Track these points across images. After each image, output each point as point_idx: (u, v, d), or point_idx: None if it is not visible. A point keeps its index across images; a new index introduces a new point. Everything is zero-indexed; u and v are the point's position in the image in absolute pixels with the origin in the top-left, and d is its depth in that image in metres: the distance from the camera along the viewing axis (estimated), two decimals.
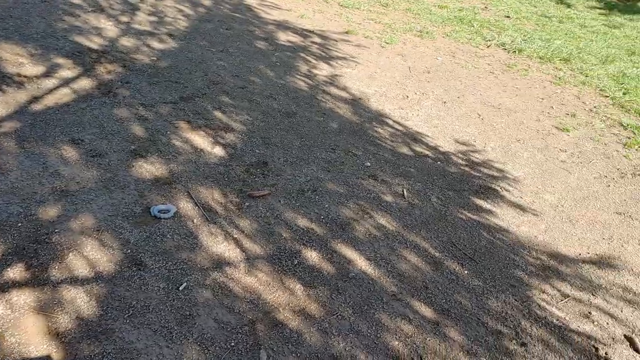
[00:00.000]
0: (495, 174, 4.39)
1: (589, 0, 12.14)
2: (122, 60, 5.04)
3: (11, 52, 4.70)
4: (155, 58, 5.27)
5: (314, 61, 6.07)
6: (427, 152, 4.56)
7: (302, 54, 6.20)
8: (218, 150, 3.98)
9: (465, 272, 3.24)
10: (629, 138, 5.42)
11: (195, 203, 3.36)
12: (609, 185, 4.51)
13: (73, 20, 5.71)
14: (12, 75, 4.35)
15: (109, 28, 5.74)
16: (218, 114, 4.47)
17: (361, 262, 3.15)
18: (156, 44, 5.61)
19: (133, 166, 3.59)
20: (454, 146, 4.74)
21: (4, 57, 4.57)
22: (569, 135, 5.33)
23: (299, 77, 5.55)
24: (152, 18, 6.32)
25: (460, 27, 8.75)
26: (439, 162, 4.43)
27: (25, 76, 4.38)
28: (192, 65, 5.29)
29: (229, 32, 6.46)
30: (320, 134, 4.50)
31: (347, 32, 7.32)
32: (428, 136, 4.85)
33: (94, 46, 5.22)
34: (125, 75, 4.78)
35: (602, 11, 11.45)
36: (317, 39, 6.81)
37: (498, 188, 4.20)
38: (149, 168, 3.61)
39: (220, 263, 2.94)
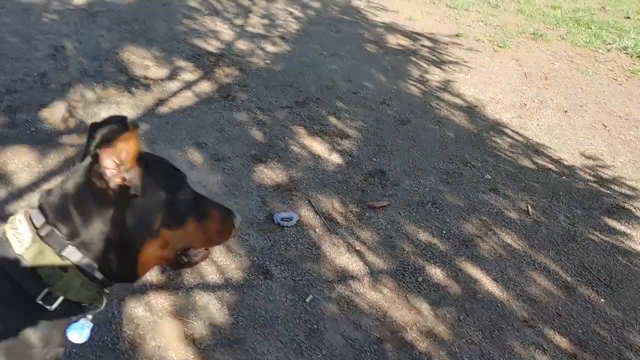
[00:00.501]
0: (628, 192, 4.08)
1: None
2: (238, 64, 5.15)
3: (138, 54, 4.93)
4: (269, 61, 5.34)
5: (425, 65, 5.93)
6: (550, 166, 4.31)
7: (412, 58, 6.08)
8: (335, 158, 3.95)
9: (602, 300, 3.02)
10: None
11: (316, 212, 3.35)
12: None
13: (191, 24, 5.90)
14: (139, 77, 4.55)
15: (225, 31, 5.89)
16: (333, 119, 4.45)
17: (488, 283, 3.01)
18: (270, 47, 5.69)
19: (254, 171, 3.64)
20: (579, 160, 4.45)
21: (131, 60, 4.79)
22: None
23: (411, 82, 5.44)
24: (265, 21, 6.43)
25: (577, 29, 8.27)
26: (564, 177, 4.17)
27: (151, 79, 4.57)
28: (305, 68, 5.32)
29: (339, 35, 6.45)
30: (436, 143, 4.37)
31: (457, 35, 7.10)
32: (550, 148, 4.59)
33: (212, 49, 5.37)
34: (243, 79, 4.87)
35: None
36: (427, 42, 6.65)
37: (632, 208, 3.89)
38: (269, 174, 3.65)
39: (344, 276, 2.90)
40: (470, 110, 5.04)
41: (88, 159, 1.06)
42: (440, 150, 4.28)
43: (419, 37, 6.80)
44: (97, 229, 1.06)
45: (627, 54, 7.40)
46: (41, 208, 1.06)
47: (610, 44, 7.68)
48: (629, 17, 9.22)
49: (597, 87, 6.05)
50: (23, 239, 1.00)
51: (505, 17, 8.38)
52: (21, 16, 5.29)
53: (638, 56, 7.31)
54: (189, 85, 4.58)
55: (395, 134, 4.40)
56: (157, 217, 1.13)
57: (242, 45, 5.61)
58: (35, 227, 1.02)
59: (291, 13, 6.87)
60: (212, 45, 5.45)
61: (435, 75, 5.72)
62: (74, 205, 1.05)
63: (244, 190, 3.43)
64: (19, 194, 3.06)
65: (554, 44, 7.44)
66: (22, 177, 3.20)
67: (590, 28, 8.38)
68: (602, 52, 7.35)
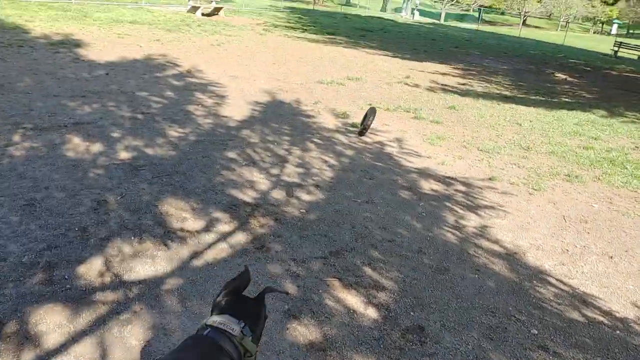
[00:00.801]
0: None
1: None
2: (273, 214, 5.21)
3: (176, 207, 5.06)
4: (304, 210, 5.40)
5: (460, 211, 5.90)
6: (601, 318, 4.06)
7: (447, 204, 6.08)
8: (371, 312, 3.81)
9: None
10: None
11: None
12: None
13: (229, 174, 6.11)
14: (175, 230, 4.62)
15: (261, 181, 6.06)
16: (368, 270, 4.37)
17: None
18: (304, 196, 5.79)
19: (287, 328, 3.51)
20: (632, 311, 4.18)
21: (169, 212, 4.91)
22: None
23: (446, 228, 5.38)
24: (300, 169, 6.61)
25: (612, 169, 8.24)
26: (617, 331, 3.90)
27: (187, 231, 4.63)
28: (339, 217, 5.34)
29: (372, 181, 6.55)
30: (476, 294, 4.20)
31: (490, 179, 7.14)
32: (599, 298, 4.35)
33: (248, 199, 5.48)
34: (277, 229, 4.90)
35: None
36: (460, 187, 6.68)
37: None
38: (302, 331, 3.51)
39: None
40: (510, 258, 4.90)
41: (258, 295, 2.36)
42: (481, 302, 4.09)
43: (453, 182, 6.85)
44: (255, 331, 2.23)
45: None
46: (234, 315, 2.16)
47: None
48: None
49: None
50: (234, 329, 2.08)
51: (538, 159, 8.45)
52: (69, 172, 5.57)
53: None
54: (224, 237, 4.61)
55: (433, 285, 4.27)
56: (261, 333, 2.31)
57: (277, 194, 5.73)
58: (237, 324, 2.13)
59: (326, 161, 7.08)
60: (248, 195, 5.58)
61: (471, 221, 5.66)
62: (253, 317, 2.23)
63: (276, 349, 3.29)
64: (47, 357, 2.99)
65: (590, 185, 7.39)
66: (52, 339, 3.15)
67: (626, 168, 8.36)
68: None
